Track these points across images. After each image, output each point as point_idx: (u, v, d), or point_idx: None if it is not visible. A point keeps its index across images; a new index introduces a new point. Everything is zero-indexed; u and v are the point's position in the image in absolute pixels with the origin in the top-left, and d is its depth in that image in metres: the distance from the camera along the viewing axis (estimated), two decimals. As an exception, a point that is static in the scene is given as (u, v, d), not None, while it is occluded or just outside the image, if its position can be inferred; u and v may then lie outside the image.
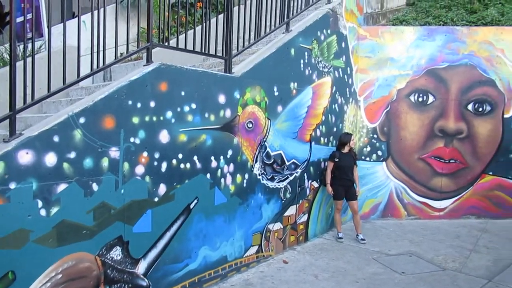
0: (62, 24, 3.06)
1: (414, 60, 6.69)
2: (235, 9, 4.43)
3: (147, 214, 3.34)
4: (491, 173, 6.80)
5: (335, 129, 5.95)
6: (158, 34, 3.79)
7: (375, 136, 6.74)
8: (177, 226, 3.60)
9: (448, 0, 8.19)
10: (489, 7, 7.82)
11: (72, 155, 2.80)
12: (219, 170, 4.01)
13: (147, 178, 3.32)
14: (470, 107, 6.72)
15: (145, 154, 3.29)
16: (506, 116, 6.73)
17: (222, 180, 4.06)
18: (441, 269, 4.60)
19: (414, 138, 6.73)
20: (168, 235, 3.52)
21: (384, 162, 6.75)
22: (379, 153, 6.75)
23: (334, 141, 5.87)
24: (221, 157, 4.02)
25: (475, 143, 6.73)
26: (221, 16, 4.25)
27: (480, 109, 6.73)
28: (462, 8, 7.88)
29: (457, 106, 6.70)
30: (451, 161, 6.74)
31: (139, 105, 3.21)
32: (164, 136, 3.43)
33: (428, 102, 6.70)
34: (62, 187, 2.75)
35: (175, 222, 3.59)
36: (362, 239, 5.50)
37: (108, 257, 3.08)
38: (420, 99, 6.71)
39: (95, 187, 2.95)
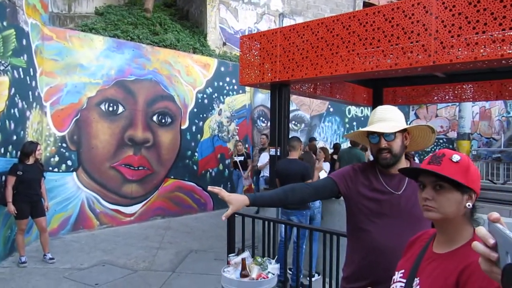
0: None
1: (104, 70, 6.76)
2: None
3: None
4: (172, 176, 7.81)
5: (15, 138, 5.14)
6: None
7: (64, 145, 6.31)
8: None
9: (134, 18, 8.80)
10: (168, 32, 8.98)
11: None
12: None
13: None
14: (155, 118, 7.47)
15: None
16: (183, 127, 7.93)
17: None
18: (133, 272, 4.83)
19: (105, 147, 6.78)
20: None
21: (74, 173, 6.42)
22: (69, 163, 6.37)
23: (15, 152, 5.07)
24: None
25: (159, 150, 7.54)
26: None
27: (163, 121, 7.61)
28: (146, 28, 8.65)
29: (144, 117, 7.29)
30: (140, 168, 7.25)
31: None
32: None
33: (118, 112, 6.93)
34: None
35: None
36: (51, 258, 5.01)
37: None
38: (111, 109, 6.84)
39: None
